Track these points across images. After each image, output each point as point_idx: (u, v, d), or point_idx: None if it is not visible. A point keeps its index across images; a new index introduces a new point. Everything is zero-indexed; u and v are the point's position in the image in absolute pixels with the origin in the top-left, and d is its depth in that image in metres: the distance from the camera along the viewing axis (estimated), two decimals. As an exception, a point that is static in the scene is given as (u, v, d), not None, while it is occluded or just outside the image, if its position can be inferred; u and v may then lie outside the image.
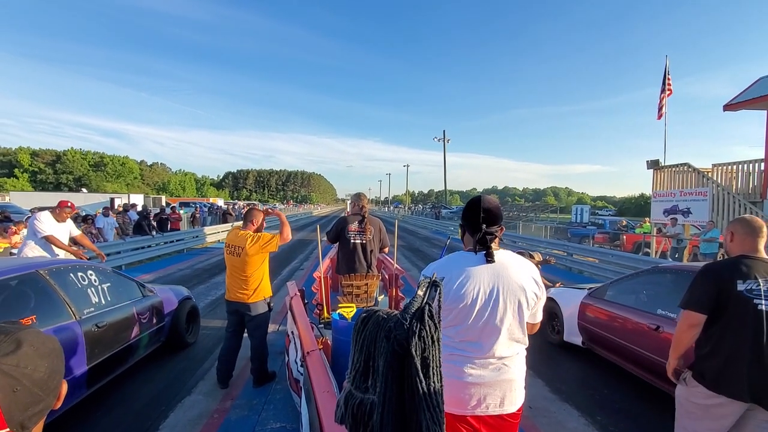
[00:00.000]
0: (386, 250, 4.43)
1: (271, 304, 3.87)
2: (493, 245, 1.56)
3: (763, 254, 2.03)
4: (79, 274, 3.53)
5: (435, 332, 0.82)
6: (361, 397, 1.05)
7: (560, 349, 4.96)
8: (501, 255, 1.55)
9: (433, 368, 0.80)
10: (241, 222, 3.92)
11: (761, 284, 1.91)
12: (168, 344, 4.63)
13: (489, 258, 1.51)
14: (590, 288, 4.93)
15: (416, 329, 0.80)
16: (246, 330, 3.78)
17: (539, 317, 1.62)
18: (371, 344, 1.07)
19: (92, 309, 3.41)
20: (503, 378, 1.51)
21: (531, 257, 5.64)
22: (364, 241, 4.02)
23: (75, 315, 3.17)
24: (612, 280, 4.76)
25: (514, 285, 1.52)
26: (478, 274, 1.50)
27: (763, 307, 1.88)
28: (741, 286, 1.92)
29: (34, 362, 0.68)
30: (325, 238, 4.22)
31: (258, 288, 3.69)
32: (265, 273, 3.76)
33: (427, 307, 0.83)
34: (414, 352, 0.78)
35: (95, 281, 3.67)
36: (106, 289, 3.74)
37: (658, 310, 3.66)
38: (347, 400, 1.06)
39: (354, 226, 4.02)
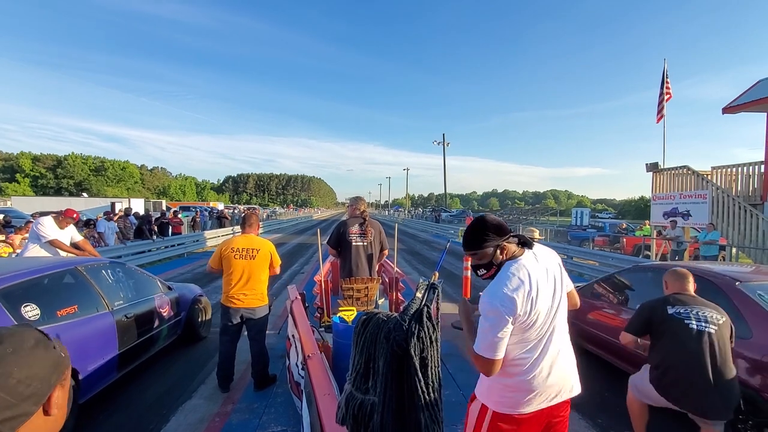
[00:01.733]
0: (386, 252, 4.43)
1: (271, 307, 3.95)
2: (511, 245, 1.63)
3: (691, 293, 2.56)
4: (109, 270, 4.02)
5: (433, 333, 0.83)
6: (362, 398, 1.06)
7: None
8: (537, 248, 1.61)
9: (431, 368, 0.81)
10: (240, 227, 3.99)
11: (688, 309, 2.41)
12: (183, 337, 4.93)
13: (530, 246, 1.58)
14: (577, 286, 5.07)
15: (415, 330, 0.81)
16: (247, 334, 3.78)
17: (571, 285, 1.70)
18: (371, 346, 1.08)
19: (121, 302, 3.83)
20: (572, 365, 1.59)
21: (531, 232, 5.76)
22: (365, 243, 4.04)
23: (108, 306, 3.60)
24: (596, 279, 4.96)
25: (558, 273, 1.59)
26: (540, 276, 1.54)
27: (694, 326, 2.34)
28: (671, 310, 2.44)
29: (4, 366, 0.65)
30: (327, 246, 4.22)
31: (264, 293, 3.77)
32: (267, 278, 3.86)
33: (425, 309, 0.84)
34: (413, 353, 0.80)
35: (123, 277, 4.14)
36: (131, 284, 4.19)
37: (637, 305, 3.80)
38: (348, 401, 1.08)
39: (355, 228, 4.04)
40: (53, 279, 3.32)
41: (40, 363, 0.69)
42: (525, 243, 1.58)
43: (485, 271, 1.59)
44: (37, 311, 2.95)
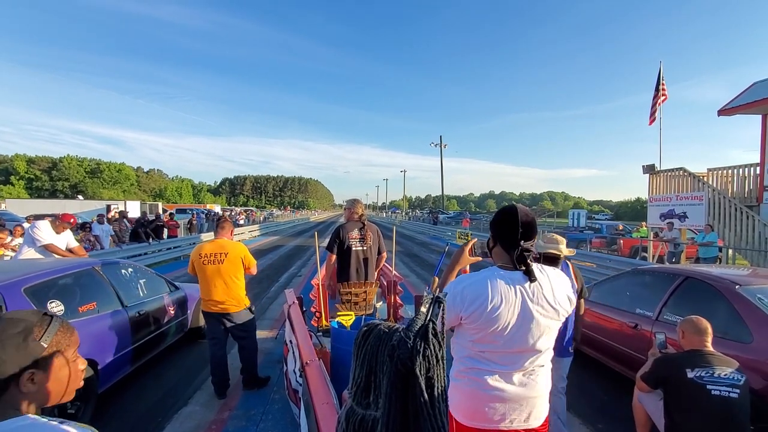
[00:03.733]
0: (384, 255, 4.37)
1: (253, 309, 3.96)
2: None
3: (710, 348, 2.42)
4: (122, 270, 4.29)
5: (439, 351, 0.80)
6: (363, 414, 1.02)
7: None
8: (537, 273, 1.44)
9: (437, 388, 0.78)
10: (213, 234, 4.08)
11: (710, 371, 2.27)
12: (189, 335, 5.17)
13: (531, 278, 1.40)
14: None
15: (420, 348, 0.78)
16: (234, 337, 3.81)
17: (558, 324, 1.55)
18: (372, 359, 1.05)
19: (134, 299, 4.10)
20: (530, 394, 1.44)
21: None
22: (364, 248, 3.98)
23: (123, 303, 3.87)
24: (596, 282, 4.93)
25: (548, 308, 1.41)
26: (514, 296, 1.38)
27: (717, 392, 2.21)
28: (690, 374, 2.29)
29: None
30: (327, 251, 4.13)
31: (241, 296, 3.76)
32: (243, 281, 3.86)
33: (430, 325, 0.81)
34: (418, 372, 0.76)
35: (134, 276, 4.41)
36: (143, 283, 4.45)
37: (637, 309, 3.89)
38: (348, 416, 1.04)
39: (355, 233, 3.96)
40: (74, 278, 3.60)
41: (12, 350, 0.85)
42: (525, 264, 1.41)
43: (488, 255, 1.58)
44: (62, 307, 3.22)
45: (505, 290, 1.36)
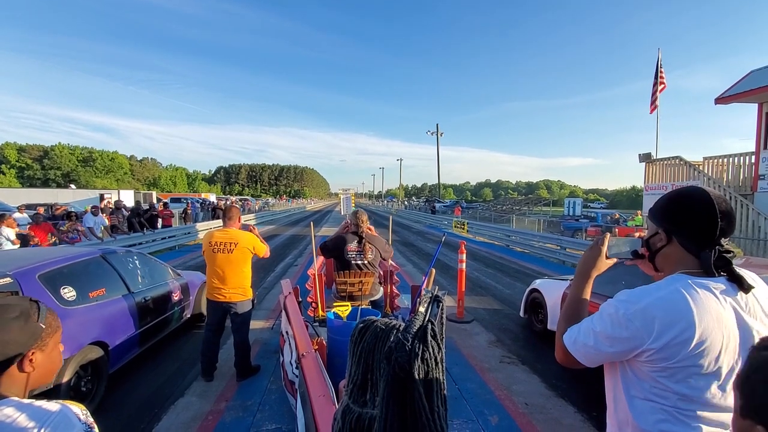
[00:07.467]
0: (388, 260, 4.28)
1: (254, 301, 4.02)
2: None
3: None
4: (128, 258, 4.48)
5: (438, 353, 0.77)
6: (359, 411, 1.01)
7: (549, 341, 5.01)
8: (748, 280, 1.03)
9: (436, 392, 0.76)
10: (221, 221, 4.06)
11: None
12: (191, 320, 5.36)
13: (744, 287, 1.00)
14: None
15: (419, 351, 0.75)
16: (231, 326, 3.85)
17: None
18: (369, 356, 1.03)
19: (140, 286, 4.27)
20: None
21: None
22: (364, 262, 3.86)
23: (129, 289, 4.05)
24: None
25: (761, 326, 1.01)
26: (728, 315, 0.98)
27: None
28: None
29: None
30: (320, 253, 4.05)
31: (247, 287, 3.80)
32: (250, 272, 3.88)
33: (429, 326, 0.78)
34: (417, 376, 0.74)
35: (139, 264, 4.58)
36: (147, 271, 4.62)
37: None
38: (345, 414, 1.02)
39: (353, 246, 3.85)
40: (84, 265, 3.76)
41: (17, 331, 0.88)
42: (731, 269, 1.03)
43: (641, 257, 1.20)
44: (74, 293, 3.37)
45: (715, 307, 0.98)
